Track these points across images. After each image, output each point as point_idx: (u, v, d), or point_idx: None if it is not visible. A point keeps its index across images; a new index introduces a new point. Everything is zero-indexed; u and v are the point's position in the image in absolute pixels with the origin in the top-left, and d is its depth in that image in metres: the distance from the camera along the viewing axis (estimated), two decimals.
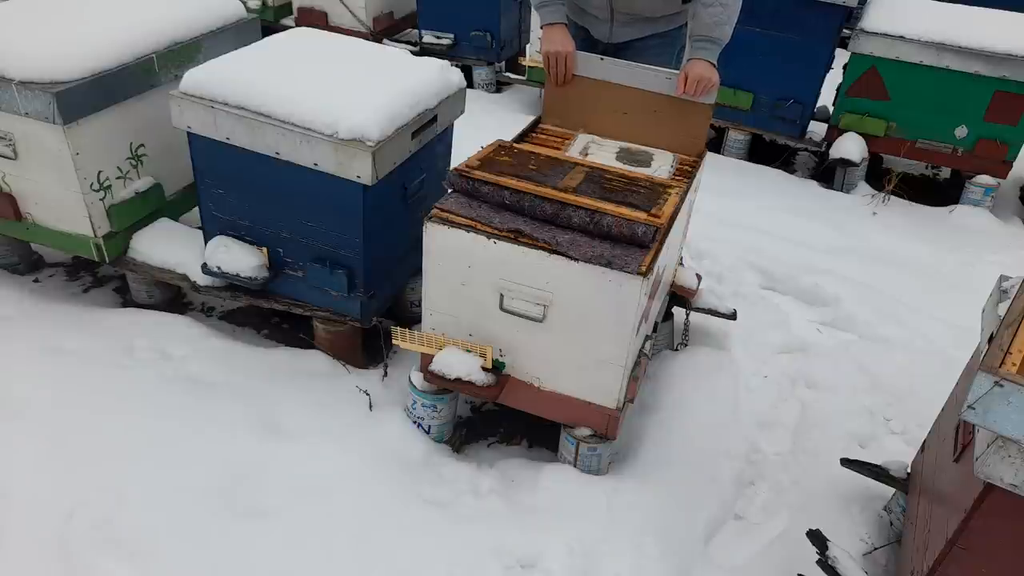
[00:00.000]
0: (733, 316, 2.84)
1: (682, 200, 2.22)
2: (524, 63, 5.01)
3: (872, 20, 4.04)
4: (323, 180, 2.28)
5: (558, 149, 2.46)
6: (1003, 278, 1.84)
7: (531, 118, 2.70)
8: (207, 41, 2.83)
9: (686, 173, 2.44)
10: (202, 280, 2.63)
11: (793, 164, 4.73)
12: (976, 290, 2.51)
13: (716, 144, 4.66)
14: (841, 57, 4.27)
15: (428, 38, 5.22)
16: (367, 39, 3.43)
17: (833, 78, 4.35)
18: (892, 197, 4.23)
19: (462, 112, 2.70)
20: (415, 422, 2.38)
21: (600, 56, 2.52)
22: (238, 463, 2.16)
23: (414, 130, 2.39)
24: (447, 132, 2.70)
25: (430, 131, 2.50)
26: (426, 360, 2.25)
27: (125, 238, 2.72)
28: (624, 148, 2.54)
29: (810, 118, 4.45)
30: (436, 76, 2.51)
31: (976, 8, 4.15)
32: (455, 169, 2.13)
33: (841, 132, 4.29)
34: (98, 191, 2.56)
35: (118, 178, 2.63)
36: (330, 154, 2.23)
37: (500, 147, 2.31)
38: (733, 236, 3.67)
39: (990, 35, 3.84)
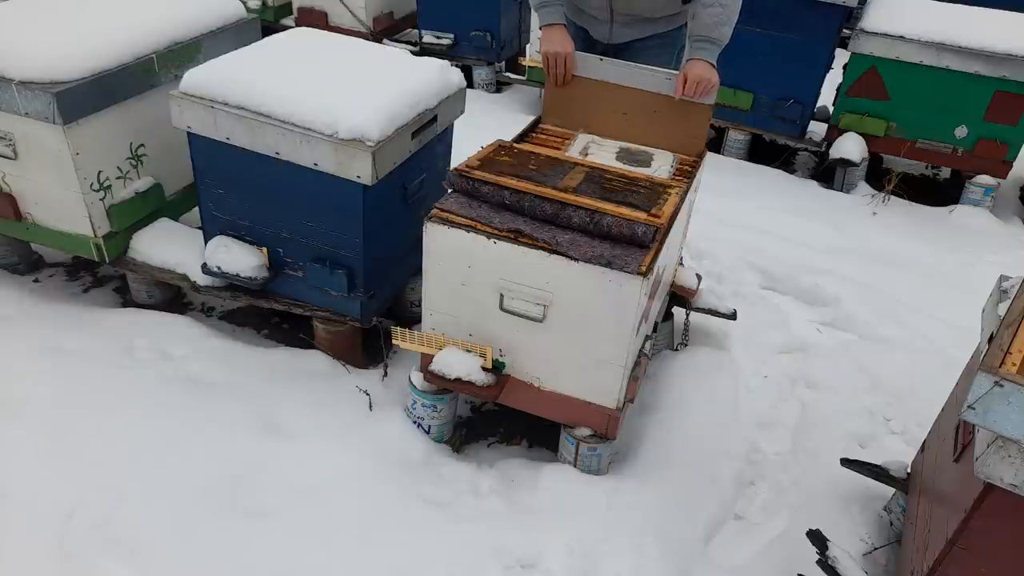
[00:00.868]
0: (733, 316, 2.84)
1: (682, 200, 2.22)
2: (524, 63, 5.01)
3: (872, 20, 4.04)
4: (323, 180, 2.28)
5: (558, 149, 2.46)
6: (1003, 278, 1.84)
7: (531, 118, 2.70)
8: (207, 41, 2.83)
9: (686, 173, 2.44)
10: (202, 280, 2.63)
11: (793, 164, 4.73)
12: (976, 290, 2.51)
13: (716, 144, 4.66)
14: (841, 57, 4.27)
15: (428, 38, 5.22)
16: (367, 39, 3.43)
17: (833, 78, 4.35)
18: (892, 197, 4.23)
19: (462, 112, 2.70)
20: (415, 422, 2.38)
21: (600, 56, 2.52)
22: (238, 463, 2.16)
23: (414, 130, 2.39)
24: (447, 132, 2.70)
25: (430, 131, 2.50)
26: (426, 360, 2.25)
27: (125, 238, 2.72)
28: (624, 148, 2.54)
29: (810, 118, 4.45)
30: (436, 76, 2.51)
31: (976, 8, 4.15)
32: (455, 169, 2.13)
33: (841, 132, 4.29)
34: (98, 191, 2.56)
35: (118, 178, 2.63)
36: (330, 154, 2.23)
37: (500, 147, 2.31)
38: (733, 236, 3.67)
39: (990, 35, 3.84)
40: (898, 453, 2.47)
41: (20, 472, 2.07)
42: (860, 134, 4.24)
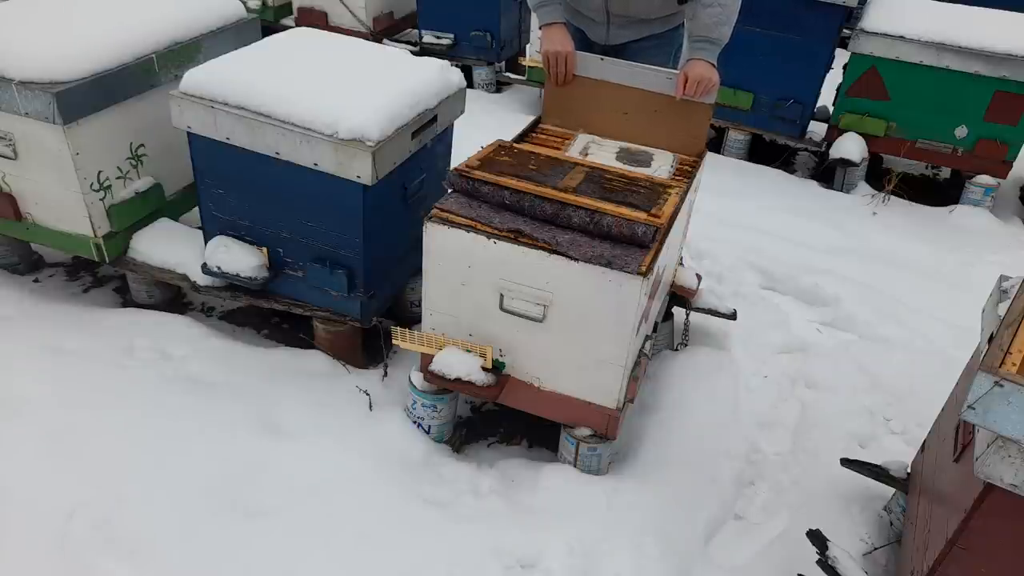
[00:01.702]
0: (733, 316, 2.84)
1: (682, 200, 2.22)
2: (524, 63, 5.01)
3: (872, 20, 4.03)
4: (323, 180, 2.28)
5: (558, 149, 2.46)
6: (1003, 278, 1.84)
7: (531, 118, 2.70)
8: (207, 41, 2.83)
9: (686, 173, 2.44)
10: (202, 280, 2.63)
11: (793, 164, 4.73)
12: (976, 290, 2.52)
13: (716, 144, 4.66)
14: (841, 57, 4.27)
15: (428, 38, 5.22)
16: (367, 39, 3.43)
17: (833, 78, 4.35)
18: (892, 197, 4.23)
19: (462, 112, 2.70)
20: (415, 422, 2.38)
21: (601, 56, 2.52)
22: (238, 463, 2.16)
23: (414, 130, 2.39)
24: (447, 132, 2.70)
25: (430, 131, 2.50)
26: (426, 360, 2.25)
27: (125, 238, 2.72)
28: (624, 148, 2.54)
29: (810, 118, 4.45)
30: (436, 76, 2.51)
31: (976, 8, 4.15)
32: (455, 169, 2.13)
33: (841, 132, 4.29)
34: (98, 191, 2.56)
35: (118, 178, 2.63)
36: (330, 154, 2.23)
37: (500, 147, 2.31)
38: (733, 236, 3.67)
39: (990, 35, 3.84)
40: (898, 453, 2.47)
41: (20, 472, 2.07)
42: (860, 134, 4.24)
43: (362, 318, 2.54)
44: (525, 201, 2.04)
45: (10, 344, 2.50)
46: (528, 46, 5.28)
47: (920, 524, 1.91)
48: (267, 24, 5.19)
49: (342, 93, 2.29)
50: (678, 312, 2.92)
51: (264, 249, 2.54)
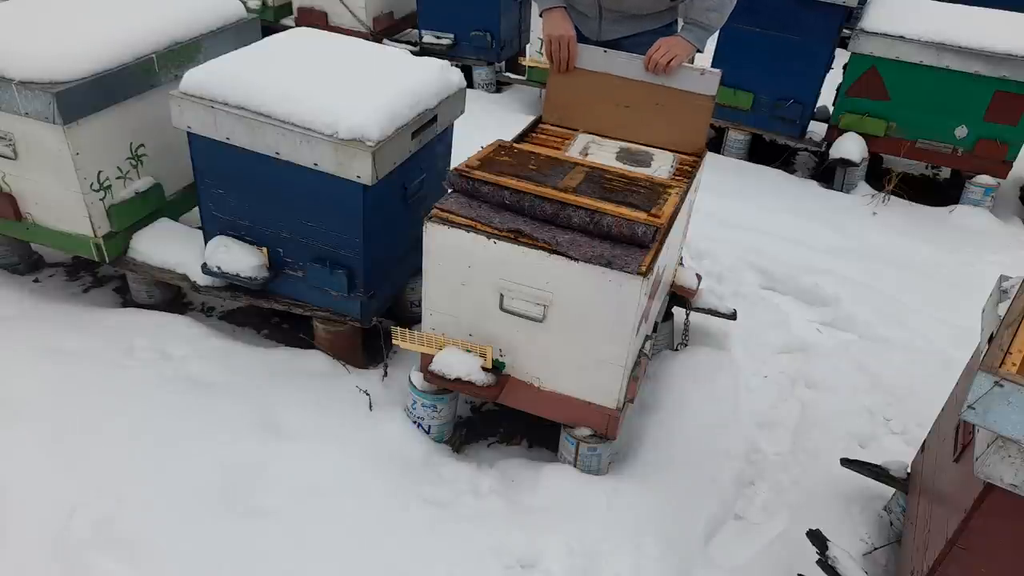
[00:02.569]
0: (733, 316, 2.84)
1: (682, 200, 2.22)
2: (524, 63, 5.01)
3: (872, 20, 4.03)
4: (323, 180, 2.28)
5: (558, 149, 2.46)
6: (1003, 278, 1.84)
7: (531, 118, 2.71)
8: (207, 41, 2.83)
9: (686, 173, 2.44)
10: (202, 280, 2.63)
11: (793, 164, 4.73)
12: (976, 290, 2.52)
13: (716, 144, 4.66)
14: (841, 57, 4.27)
15: (428, 38, 5.22)
16: (367, 39, 3.43)
17: (833, 78, 4.35)
18: (892, 197, 4.23)
19: (462, 112, 2.70)
20: (415, 422, 2.38)
21: (603, 48, 2.53)
22: (238, 463, 2.16)
23: (414, 130, 2.39)
24: (447, 132, 2.70)
25: (430, 131, 2.50)
26: (426, 360, 2.25)
27: (125, 238, 2.72)
28: (624, 148, 2.54)
29: (810, 118, 4.45)
30: (436, 76, 2.51)
31: (976, 8, 4.15)
32: (455, 169, 2.13)
33: (841, 132, 4.29)
34: (98, 191, 2.56)
35: (118, 178, 2.63)
36: (330, 154, 2.23)
37: (500, 147, 2.31)
38: (733, 236, 3.67)
39: (990, 35, 3.84)
40: (898, 453, 2.47)
41: (20, 472, 2.07)
42: (860, 134, 4.24)
43: (362, 318, 2.54)
44: (525, 201, 2.04)
45: (10, 344, 2.50)
46: (528, 46, 5.28)
47: (920, 524, 1.91)
48: (267, 24, 5.19)
49: (342, 93, 2.29)
50: (678, 312, 2.92)
51: (264, 249, 2.54)
